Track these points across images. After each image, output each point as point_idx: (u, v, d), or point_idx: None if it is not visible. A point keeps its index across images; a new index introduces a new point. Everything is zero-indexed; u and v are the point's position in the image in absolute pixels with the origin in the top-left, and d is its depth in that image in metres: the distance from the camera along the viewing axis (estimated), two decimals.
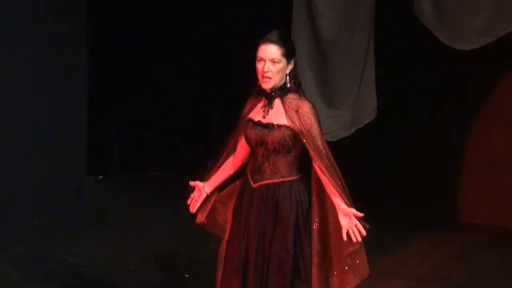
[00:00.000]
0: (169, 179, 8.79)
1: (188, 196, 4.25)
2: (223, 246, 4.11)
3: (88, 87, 8.03)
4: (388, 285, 5.83)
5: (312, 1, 6.63)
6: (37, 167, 7.17)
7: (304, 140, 3.88)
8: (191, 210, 4.23)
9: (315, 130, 3.88)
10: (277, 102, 3.95)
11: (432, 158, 7.81)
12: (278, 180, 3.96)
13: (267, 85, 3.91)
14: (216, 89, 8.73)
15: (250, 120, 4.00)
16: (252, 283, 3.95)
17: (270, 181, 3.97)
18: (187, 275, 6.04)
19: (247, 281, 3.97)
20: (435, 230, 7.40)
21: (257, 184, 3.99)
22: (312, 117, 3.89)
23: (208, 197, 4.22)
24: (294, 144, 3.93)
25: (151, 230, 7.21)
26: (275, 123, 3.91)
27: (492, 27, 6.25)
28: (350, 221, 3.75)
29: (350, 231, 3.74)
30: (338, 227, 3.86)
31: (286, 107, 3.91)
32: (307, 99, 3.97)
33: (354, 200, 3.86)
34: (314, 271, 3.89)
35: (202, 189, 4.20)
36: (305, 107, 3.90)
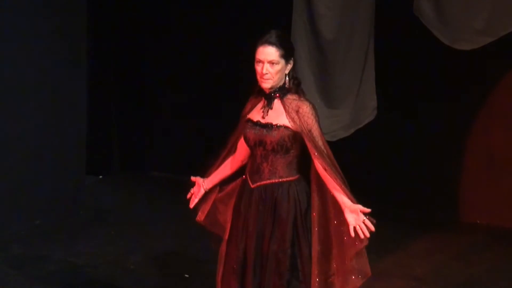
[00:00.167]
0: (169, 179, 8.79)
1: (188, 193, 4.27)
2: (223, 246, 4.12)
3: (88, 87, 8.03)
4: (388, 285, 5.83)
5: (312, 1, 6.62)
6: (37, 167, 7.17)
7: (305, 140, 3.88)
8: (190, 205, 4.25)
9: (315, 130, 3.89)
10: (276, 102, 3.96)
11: (432, 158, 7.81)
12: (276, 181, 3.96)
13: (266, 86, 3.92)
14: (216, 89, 8.73)
15: (250, 120, 4.01)
16: (250, 283, 3.95)
17: (268, 181, 3.97)
18: (187, 275, 6.04)
19: (245, 281, 3.97)
20: (435, 230, 7.40)
21: (255, 185, 3.99)
22: (312, 117, 3.90)
23: (206, 194, 4.24)
24: (293, 145, 3.93)
25: (151, 230, 7.22)
26: (274, 123, 3.92)
27: (492, 27, 6.24)
28: (357, 217, 3.74)
29: (358, 228, 3.73)
30: (341, 227, 3.86)
31: (287, 107, 3.92)
32: (307, 99, 3.97)
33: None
34: (314, 271, 3.88)
35: (201, 185, 4.23)
36: (306, 108, 3.90)
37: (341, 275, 3.91)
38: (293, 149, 3.95)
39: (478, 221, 7.71)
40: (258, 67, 3.91)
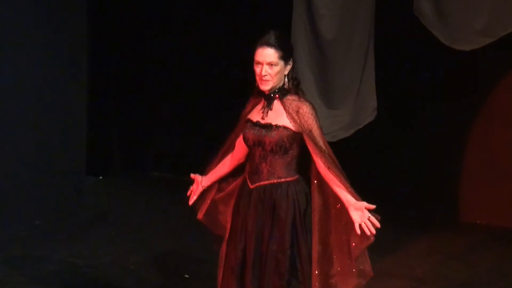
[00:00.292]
0: (169, 179, 8.79)
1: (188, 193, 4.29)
2: (223, 247, 4.12)
3: (88, 87, 8.03)
4: (388, 285, 5.84)
5: (312, 1, 6.62)
6: (37, 167, 7.17)
7: (305, 140, 3.88)
8: (189, 203, 4.28)
9: (316, 130, 3.90)
10: (276, 103, 3.96)
11: (432, 158, 7.81)
12: (275, 181, 3.96)
13: (265, 87, 3.92)
14: (216, 89, 8.73)
15: (249, 120, 4.01)
16: (250, 284, 3.95)
17: (267, 181, 3.97)
18: (187, 276, 6.03)
19: (245, 282, 3.97)
20: (435, 230, 7.40)
21: (254, 185, 3.99)
22: (312, 117, 3.90)
23: (205, 192, 4.25)
24: (292, 145, 3.94)
25: (151, 230, 7.22)
26: (273, 123, 3.92)
27: (492, 28, 6.24)
28: (362, 215, 3.74)
29: (363, 225, 3.72)
30: (343, 226, 3.87)
31: (287, 108, 3.92)
32: (306, 99, 3.97)
33: None
34: (315, 271, 3.88)
35: (199, 183, 4.25)
36: (306, 108, 3.91)
37: (342, 276, 3.91)
38: (292, 150, 3.95)
39: (478, 221, 7.71)
40: (257, 69, 3.91)
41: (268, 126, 3.93)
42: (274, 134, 3.91)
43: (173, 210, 7.37)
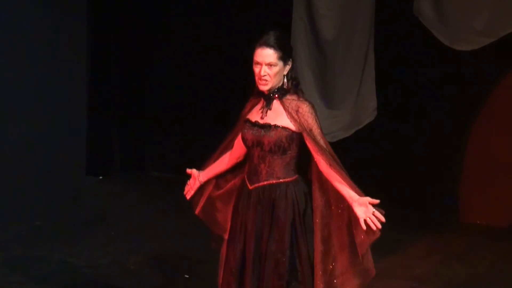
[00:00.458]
0: (169, 179, 8.78)
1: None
2: (224, 247, 4.12)
3: (88, 87, 8.03)
4: (388, 285, 5.83)
5: (312, 1, 6.62)
6: (37, 168, 7.17)
7: (306, 139, 3.88)
8: (186, 197, 4.29)
9: (316, 129, 3.90)
10: (275, 103, 3.96)
11: (432, 158, 7.81)
12: (274, 181, 3.96)
13: (264, 88, 3.92)
14: (216, 89, 8.72)
15: (248, 120, 4.01)
16: (249, 285, 3.94)
17: (266, 182, 3.97)
18: (187, 276, 6.03)
19: (244, 283, 3.97)
20: (435, 230, 7.40)
21: (253, 186, 3.99)
22: (312, 116, 3.91)
23: (202, 187, 4.26)
24: (290, 145, 3.93)
25: (151, 230, 7.21)
26: (272, 123, 3.92)
27: (492, 28, 6.24)
28: (366, 210, 3.73)
29: (368, 220, 3.71)
30: (346, 226, 3.87)
31: (286, 107, 3.92)
32: (306, 99, 3.97)
33: None
34: (318, 271, 3.88)
35: (196, 178, 4.26)
36: (305, 107, 3.91)
37: (346, 276, 3.91)
38: (291, 150, 3.95)
39: (478, 221, 7.71)
40: (256, 69, 3.91)
41: (267, 126, 3.93)
42: (272, 134, 3.91)
43: (173, 210, 7.37)
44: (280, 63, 3.90)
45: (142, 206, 8.08)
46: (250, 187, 4.00)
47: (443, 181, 7.81)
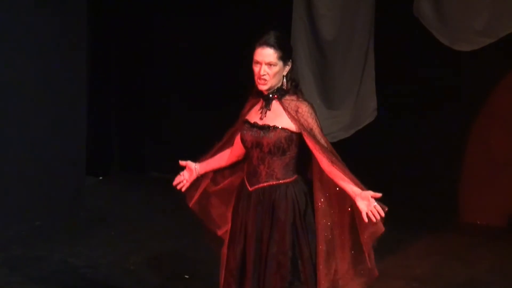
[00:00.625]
0: (169, 180, 8.73)
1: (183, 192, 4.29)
2: (224, 248, 4.11)
3: (88, 87, 8.03)
4: (388, 285, 5.83)
5: (312, 1, 6.63)
6: (37, 168, 7.17)
7: (306, 139, 3.87)
8: (182, 188, 4.26)
9: (316, 128, 3.90)
10: (275, 103, 3.95)
11: (432, 158, 7.81)
12: (274, 183, 3.96)
13: (264, 87, 3.91)
14: (216, 90, 8.72)
15: (247, 121, 4.01)
16: (250, 286, 3.94)
17: (266, 183, 3.96)
18: (187, 276, 6.04)
19: (245, 284, 3.97)
20: (435, 230, 7.40)
21: (253, 188, 3.99)
22: (312, 116, 3.90)
23: (198, 180, 4.24)
24: (290, 146, 3.93)
25: (151, 230, 7.21)
26: (271, 124, 3.92)
27: (492, 28, 6.24)
28: (368, 203, 3.72)
29: (370, 213, 3.70)
30: (349, 225, 3.87)
31: (286, 108, 3.91)
32: (305, 99, 3.97)
33: None
34: (322, 271, 3.88)
35: (193, 170, 4.24)
36: (305, 107, 3.90)
37: (349, 275, 3.91)
38: (290, 151, 3.94)
39: (478, 221, 7.71)
40: (256, 68, 3.91)
41: (266, 128, 3.92)
42: (272, 136, 3.90)
43: (173, 210, 7.35)
44: (280, 63, 3.90)
45: (142, 206, 8.08)
46: (250, 189, 4.00)
47: (443, 181, 7.81)
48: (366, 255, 3.86)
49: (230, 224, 4.11)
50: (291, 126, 3.91)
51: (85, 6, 7.62)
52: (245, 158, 4.11)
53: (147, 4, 9.06)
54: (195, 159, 4.35)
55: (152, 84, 9.31)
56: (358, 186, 3.80)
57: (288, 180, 3.97)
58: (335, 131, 6.54)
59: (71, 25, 7.45)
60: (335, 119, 6.63)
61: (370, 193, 3.75)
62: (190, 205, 4.27)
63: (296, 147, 3.94)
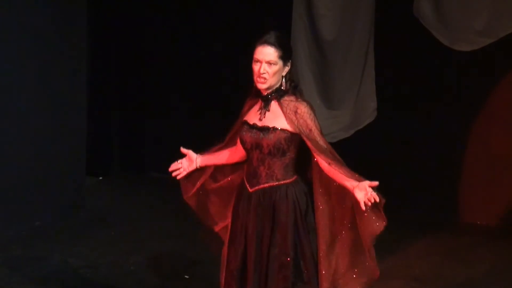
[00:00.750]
0: (169, 180, 8.75)
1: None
2: (224, 249, 4.11)
3: (88, 88, 8.03)
4: (388, 285, 5.83)
5: (312, 1, 6.63)
6: (37, 168, 7.16)
7: (305, 140, 3.87)
8: (177, 175, 4.25)
9: (315, 129, 3.89)
10: (273, 104, 3.95)
11: (432, 158, 7.81)
12: (274, 184, 3.95)
13: (262, 86, 3.90)
14: (216, 90, 8.72)
15: (246, 122, 4.00)
16: (250, 287, 3.94)
17: (266, 184, 3.96)
18: (187, 276, 6.03)
19: (246, 285, 3.96)
20: (435, 230, 7.39)
21: (253, 189, 3.98)
22: (311, 117, 3.89)
23: (195, 172, 4.22)
24: (289, 147, 3.92)
25: (151, 231, 7.21)
26: (270, 126, 3.91)
27: (492, 28, 6.25)
28: (366, 193, 3.69)
29: (367, 201, 3.68)
30: (349, 224, 3.87)
31: (284, 109, 3.90)
32: (304, 99, 3.95)
33: None
34: (322, 271, 3.88)
35: (194, 161, 4.23)
36: (303, 108, 3.89)
37: (349, 275, 3.91)
38: (290, 152, 3.94)
39: (478, 221, 7.71)
40: (256, 67, 3.90)
41: (266, 129, 3.91)
42: (271, 137, 3.90)
43: (173, 211, 7.35)
44: (280, 63, 3.89)
45: (142, 206, 8.08)
46: (250, 190, 3.99)
47: (443, 181, 7.81)
48: (367, 254, 3.85)
49: (228, 223, 4.10)
50: (290, 127, 3.90)
51: (85, 6, 7.62)
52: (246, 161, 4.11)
53: (147, 4, 9.06)
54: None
55: (152, 84, 9.31)
56: (356, 179, 3.77)
57: (288, 180, 3.96)
58: (335, 131, 6.55)
59: (71, 25, 7.45)
60: (335, 119, 6.64)
61: (367, 182, 3.73)
62: (185, 198, 4.24)
63: (296, 147, 3.94)
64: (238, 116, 4.14)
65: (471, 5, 6.26)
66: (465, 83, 7.60)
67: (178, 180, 4.29)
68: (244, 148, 4.00)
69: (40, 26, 7.10)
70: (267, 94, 3.94)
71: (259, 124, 3.94)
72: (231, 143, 4.18)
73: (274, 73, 3.89)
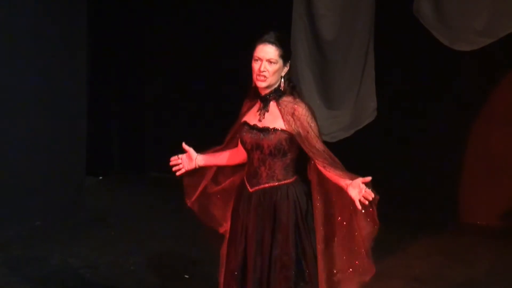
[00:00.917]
0: (169, 180, 8.75)
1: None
2: (224, 248, 4.11)
3: (88, 87, 8.03)
4: (388, 286, 5.83)
5: (312, 1, 6.62)
6: (37, 168, 7.17)
7: (302, 143, 3.87)
8: (176, 171, 4.22)
9: (312, 131, 3.88)
10: (272, 105, 3.94)
11: (432, 158, 7.81)
12: (274, 184, 3.95)
13: (262, 84, 3.89)
14: (215, 90, 8.72)
15: (246, 123, 3.99)
16: (251, 287, 3.94)
17: (267, 185, 3.95)
18: (187, 276, 6.04)
19: (246, 285, 3.96)
20: (435, 230, 7.40)
21: (254, 189, 3.98)
22: (308, 119, 3.88)
23: (196, 172, 4.20)
24: (290, 147, 3.92)
25: (151, 231, 7.21)
26: (270, 126, 3.90)
27: (492, 28, 6.24)
28: (360, 190, 3.68)
29: (362, 199, 3.67)
30: (347, 224, 3.86)
31: (282, 110, 3.90)
32: (302, 100, 3.94)
33: None
34: (320, 270, 3.88)
35: (194, 160, 4.20)
36: (301, 110, 3.88)
37: (346, 273, 3.91)
38: (291, 152, 3.94)
39: (478, 221, 7.71)
40: (256, 65, 3.89)
41: (266, 130, 3.91)
42: (272, 138, 3.89)
43: (173, 210, 7.35)
44: (280, 62, 3.89)
45: (142, 206, 8.08)
46: (251, 190, 3.99)
47: (443, 181, 7.81)
48: (365, 253, 3.85)
49: (229, 225, 4.10)
50: (287, 129, 3.90)
51: (85, 6, 7.62)
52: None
53: (147, 4, 9.06)
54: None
55: (152, 84, 9.31)
56: (350, 177, 3.75)
57: (288, 180, 3.96)
58: (335, 131, 6.54)
59: (71, 25, 7.45)
60: (335, 119, 6.63)
61: (360, 179, 3.71)
62: (189, 204, 4.25)
63: (297, 148, 3.93)
64: (237, 118, 4.13)
65: (471, 5, 6.25)
66: (465, 83, 7.60)
67: (179, 180, 4.28)
68: (245, 148, 4.00)
69: (40, 26, 7.10)
70: (266, 95, 3.94)
71: (259, 125, 3.94)
72: (231, 144, 4.17)
73: (274, 72, 3.88)
